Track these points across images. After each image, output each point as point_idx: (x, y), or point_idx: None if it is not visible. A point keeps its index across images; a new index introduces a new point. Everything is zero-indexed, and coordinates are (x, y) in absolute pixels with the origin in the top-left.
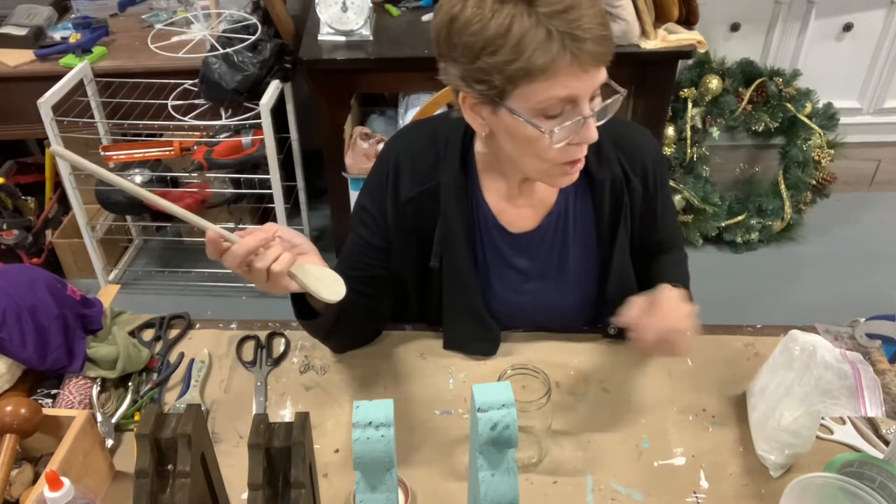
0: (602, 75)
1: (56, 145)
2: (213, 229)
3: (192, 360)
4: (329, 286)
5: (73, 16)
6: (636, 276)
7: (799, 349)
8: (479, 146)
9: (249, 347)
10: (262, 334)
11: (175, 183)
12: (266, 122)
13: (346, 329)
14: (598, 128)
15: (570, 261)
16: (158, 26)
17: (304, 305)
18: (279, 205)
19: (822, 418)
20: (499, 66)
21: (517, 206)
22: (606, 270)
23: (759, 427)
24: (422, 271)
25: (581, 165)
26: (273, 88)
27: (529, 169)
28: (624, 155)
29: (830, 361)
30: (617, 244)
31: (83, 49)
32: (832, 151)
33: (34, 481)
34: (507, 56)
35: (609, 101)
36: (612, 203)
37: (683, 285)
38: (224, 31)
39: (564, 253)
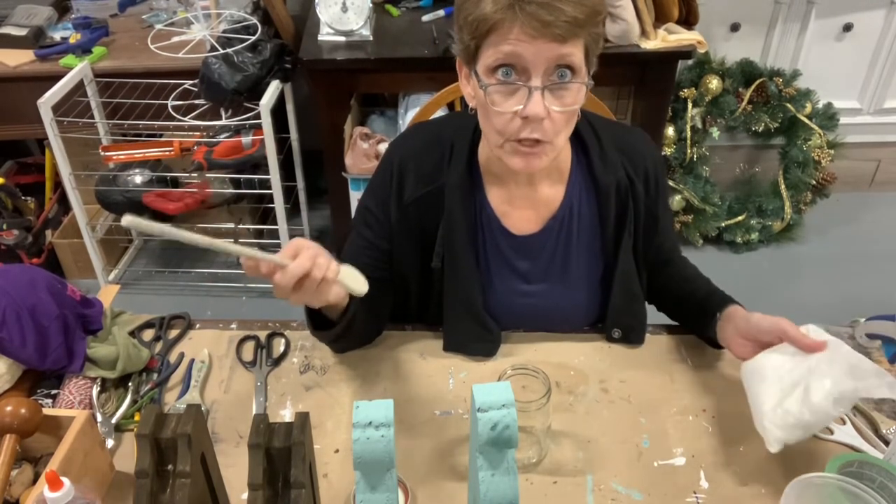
0: (559, 51)
1: (128, 215)
2: (267, 259)
3: (192, 361)
4: (356, 280)
5: (73, 16)
6: (644, 281)
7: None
8: (483, 148)
9: (249, 347)
10: (262, 334)
11: (175, 183)
12: (266, 122)
13: (353, 333)
14: (600, 131)
15: (572, 264)
16: (158, 26)
17: (318, 317)
18: (279, 205)
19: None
20: (466, 19)
21: (520, 209)
22: (611, 274)
23: (766, 401)
24: (423, 272)
25: (542, 152)
26: (273, 88)
27: (491, 143)
28: (627, 159)
29: (854, 349)
30: (622, 248)
31: (83, 49)
32: (832, 151)
33: (34, 481)
34: (472, 8)
35: (564, 81)
36: (618, 207)
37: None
38: (224, 32)
39: (567, 256)
